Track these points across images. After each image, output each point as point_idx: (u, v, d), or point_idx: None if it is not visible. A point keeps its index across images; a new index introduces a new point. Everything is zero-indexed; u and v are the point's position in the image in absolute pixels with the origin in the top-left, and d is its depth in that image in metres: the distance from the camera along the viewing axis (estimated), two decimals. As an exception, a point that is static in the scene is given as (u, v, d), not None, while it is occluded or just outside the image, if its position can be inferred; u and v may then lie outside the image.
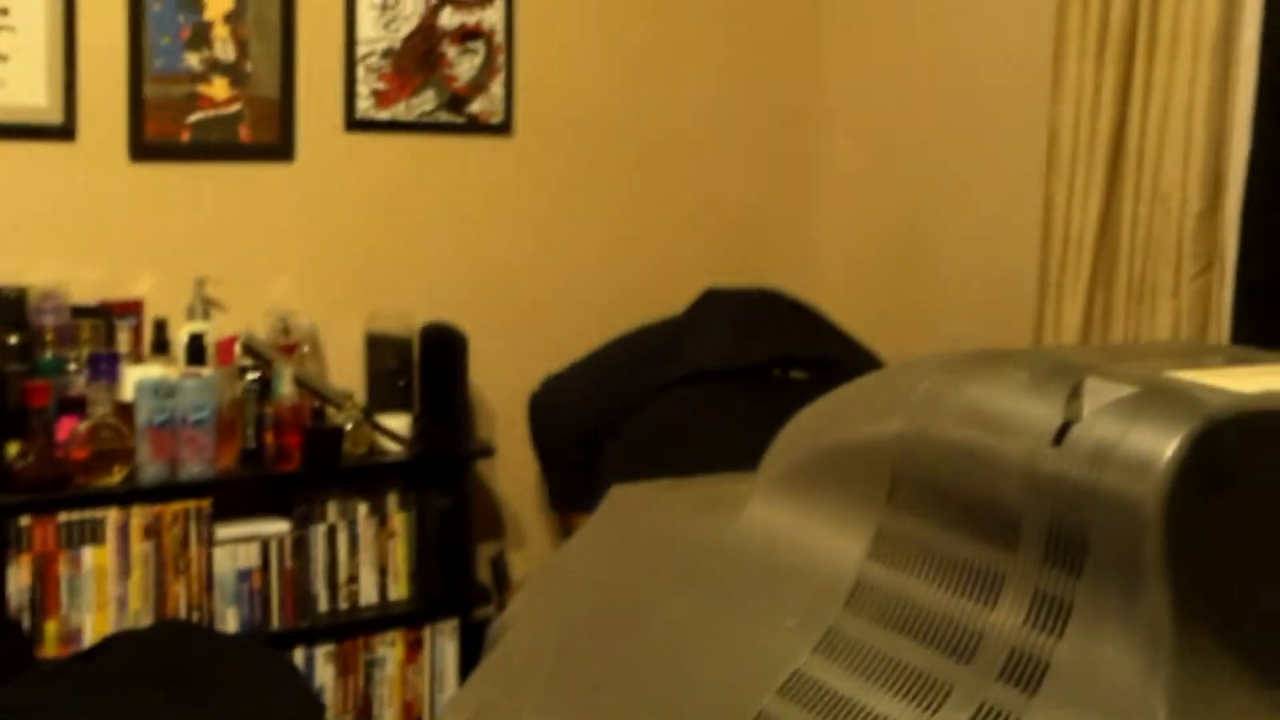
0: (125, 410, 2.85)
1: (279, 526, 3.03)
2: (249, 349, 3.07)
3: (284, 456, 2.98)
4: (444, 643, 3.23)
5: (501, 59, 3.43)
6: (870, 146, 3.88)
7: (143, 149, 3.03)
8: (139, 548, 2.85)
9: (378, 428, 3.15)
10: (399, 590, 3.20)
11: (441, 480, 3.20)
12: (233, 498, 2.99)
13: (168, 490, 2.87)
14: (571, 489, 3.38)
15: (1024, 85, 3.40)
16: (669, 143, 3.70)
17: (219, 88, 3.09)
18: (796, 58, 3.88)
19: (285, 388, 3.01)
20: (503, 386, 3.44)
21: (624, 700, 1.28)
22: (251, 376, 3.01)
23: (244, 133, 3.14)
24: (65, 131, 2.96)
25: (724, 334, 3.03)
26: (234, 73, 3.10)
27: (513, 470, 3.49)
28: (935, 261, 3.67)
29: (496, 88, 3.43)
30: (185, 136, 3.08)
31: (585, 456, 3.31)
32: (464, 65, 3.38)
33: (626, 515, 1.56)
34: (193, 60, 3.06)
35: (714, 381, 2.88)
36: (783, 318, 3.07)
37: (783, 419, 2.67)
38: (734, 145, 3.79)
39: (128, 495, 2.83)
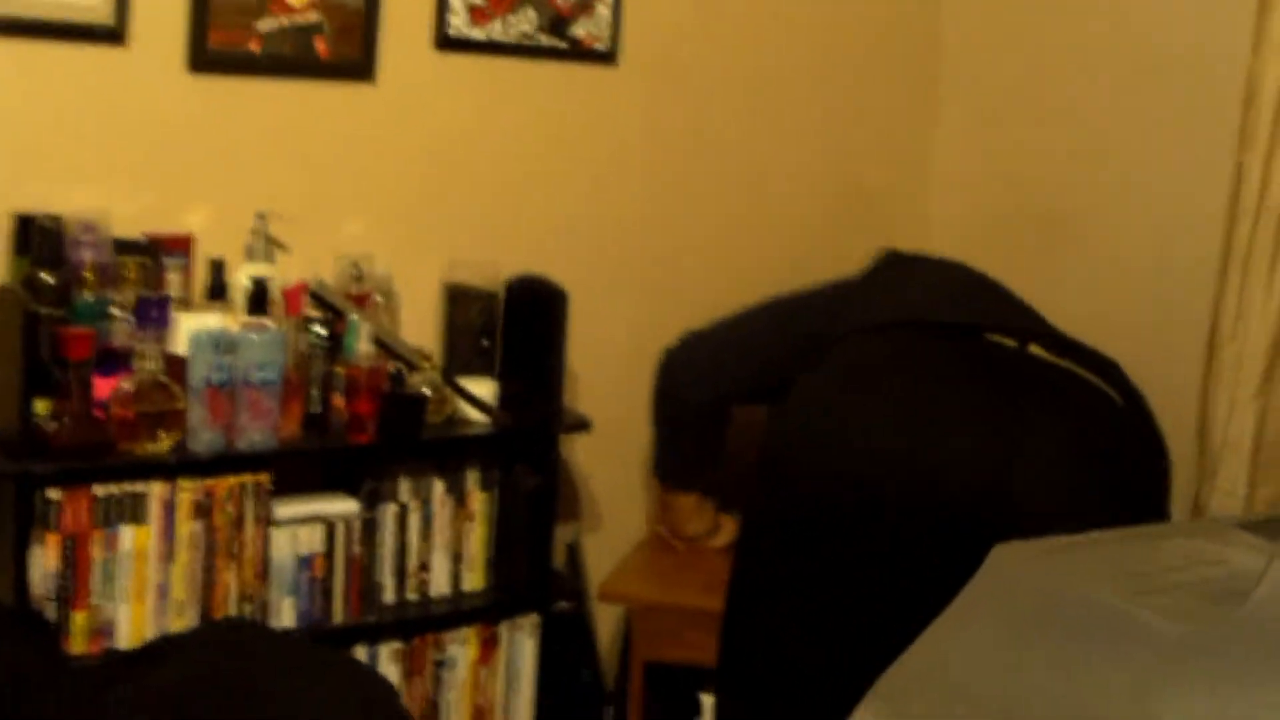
0: (176, 365, 2.43)
1: (346, 506, 2.62)
2: (318, 298, 2.64)
3: (357, 425, 2.57)
4: (522, 640, 2.83)
5: (610, -24, 2.99)
6: (993, 109, 3.45)
7: (205, 59, 2.59)
8: (187, 527, 2.43)
9: (464, 394, 2.73)
10: (474, 580, 2.79)
11: (529, 457, 2.79)
12: (292, 471, 2.58)
13: (223, 462, 2.45)
14: (692, 464, 2.97)
15: (1195, 38, 2.97)
16: (783, 89, 3.27)
17: (295, -9, 2.65)
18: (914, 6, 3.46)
19: (362, 345, 2.59)
20: (595, 352, 3.02)
21: None
22: (319, 330, 2.58)
23: (321, 47, 2.69)
24: (115, 35, 2.52)
25: (929, 292, 2.62)
26: (312, -25, 2.66)
27: (595, 445, 3.06)
28: (1080, 239, 3.24)
29: (603, 9, 2.99)
30: (255, 47, 2.63)
31: (714, 429, 2.91)
32: (569, -19, 2.94)
33: (1027, 588, 1.16)
34: (266, -43, 2.61)
35: (913, 332, 2.48)
36: (986, 285, 2.66)
37: (1004, 382, 2.38)
38: (848, 99, 3.36)
39: (177, 467, 2.41)
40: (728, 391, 2.87)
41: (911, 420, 2.35)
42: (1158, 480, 2.46)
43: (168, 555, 2.42)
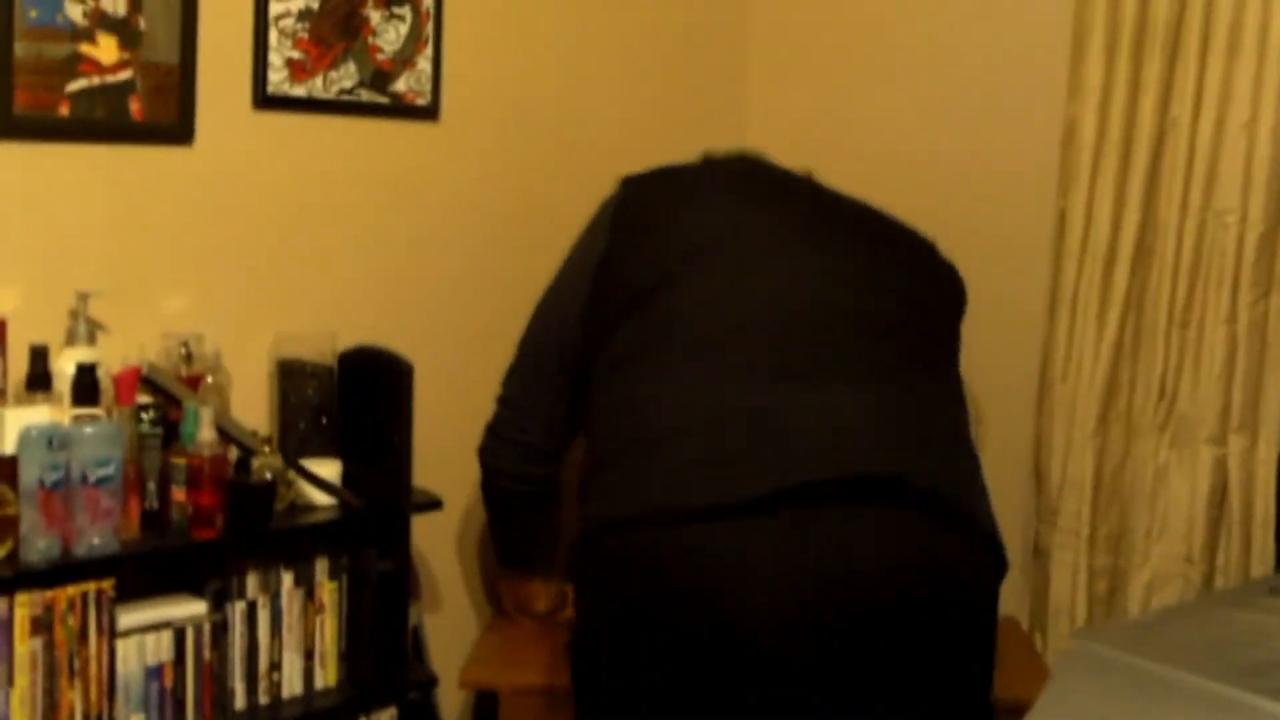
0: (5, 467, 2.17)
1: (194, 608, 2.39)
2: (153, 384, 2.42)
3: (202, 519, 2.35)
4: (378, 737, 2.65)
5: (429, 28, 2.85)
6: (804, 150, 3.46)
7: (9, 124, 2.34)
8: (25, 646, 2.17)
9: (310, 477, 2.54)
10: (327, 676, 2.60)
11: (377, 540, 2.62)
12: (131, 575, 2.34)
13: (62, 570, 2.20)
14: (521, 545, 2.83)
15: (1012, 80, 3.05)
16: (610, 139, 3.19)
17: (106, 49, 2.42)
18: (723, 55, 3.43)
19: (204, 432, 2.37)
20: (428, 423, 2.86)
21: None
22: (149, 418, 2.36)
23: (135, 107, 2.47)
24: (-94, 98, 2.25)
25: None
26: (124, 31, 2.44)
27: (433, 521, 2.90)
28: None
29: (424, 63, 2.85)
30: (64, 110, 2.39)
31: (534, 503, 2.73)
32: (389, 34, 2.79)
33: (1127, 679, 1.09)
34: (75, 12, 2.38)
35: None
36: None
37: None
38: (669, 145, 3.31)
39: (13, 580, 2.15)
40: (536, 446, 2.64)
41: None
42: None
43: (6, 679, 2.15)
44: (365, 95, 2.78)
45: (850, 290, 2.28)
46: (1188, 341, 2.72)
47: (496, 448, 2.62)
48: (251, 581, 2.48)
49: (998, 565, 2.14)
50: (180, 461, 2.36)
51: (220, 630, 2.41)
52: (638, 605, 2.04)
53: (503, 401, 2.62)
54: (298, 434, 2.65)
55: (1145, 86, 2.74)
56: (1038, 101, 2.98)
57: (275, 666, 2.52)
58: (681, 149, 2.67)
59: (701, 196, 2.40)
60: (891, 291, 2.33)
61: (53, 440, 2.19)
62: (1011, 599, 2.99)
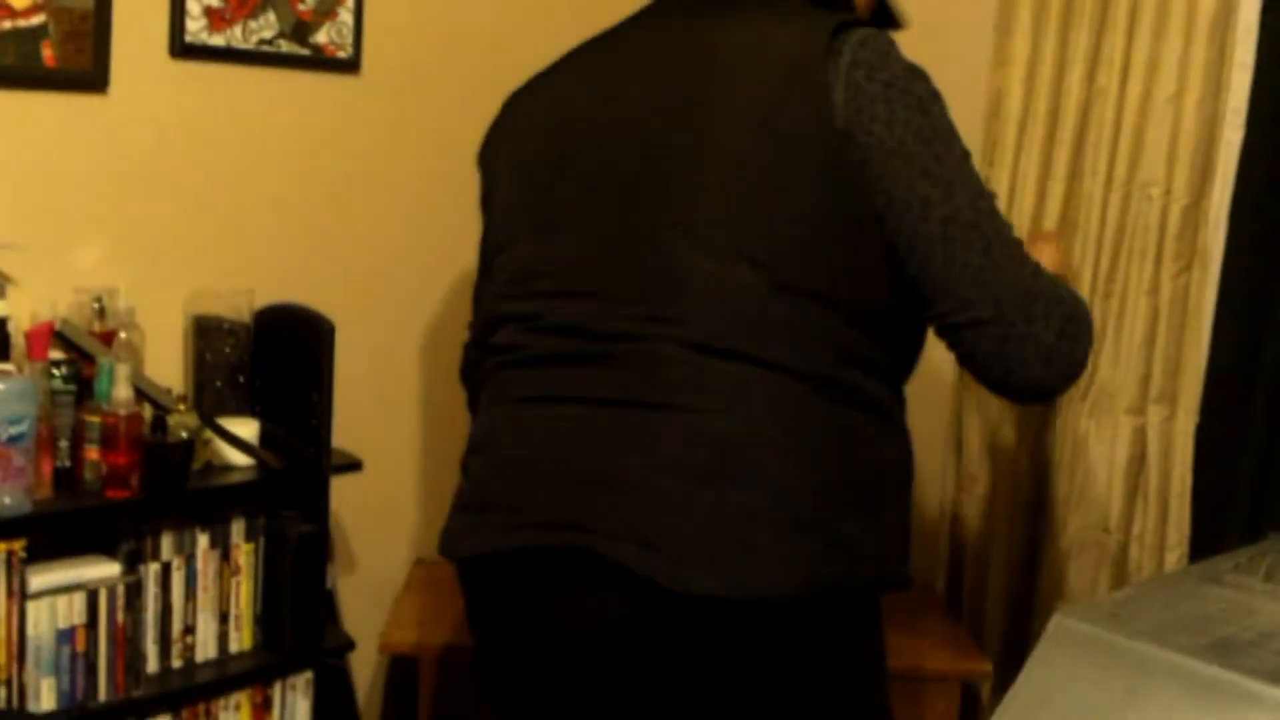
0: (-90, 424, 2.10)
1: (107, 569, 2.33)
2: (64, 338, 2.34)
3: (117, 479, 2.28)
4: (295, 700, 2.60)
5: (353, -21, 2.78)
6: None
7: (-84, 67, 2.25)
8: (-69, 610, 2.11)
9: (227, 437, 2.48)
10: (243, 640, 2.55)
11: (296, 502, 2.57)
12: (44, 536, 2.28)
13: (-29, 531, 2.13)
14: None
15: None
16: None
17: (18, -9, 2.34)
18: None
19: (119, 390, 2.31)
20: (358, 383, 2.81)
21: None
22: (62, 374, 2.30)
23: (48, 54, 2.38)
24: None
25: None
26: (37, -28, 2.35)
27: (351, 481, 2.84)
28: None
29: (345, 14, 2.78)
30: (-26, 53, 2.30)
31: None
32: (312, -16, 2.72)
33: (1109, 660, 1.09)
34: (-14, -49, 2.29)
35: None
36: None
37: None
38: None
39: (-81, 541, 2.08)
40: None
41: None
42: None
43: (-90, 644, 2.09)
44: (285, 46, 2.71)
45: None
46: (1109, 312, 2.74)
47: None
48: (166, 543, 2.42)
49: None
50: (94, 420, 2.29)
51: (134, 592, 2.35)
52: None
53: None
54: (214, 393, 2.59)
55: (1072, 60, 2.75)
56: (964, 73, 2.97)
57: (189, 630, 2.47)
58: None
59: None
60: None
61: (-38, 396, 2.11)
62: (930, 568, 3.02)
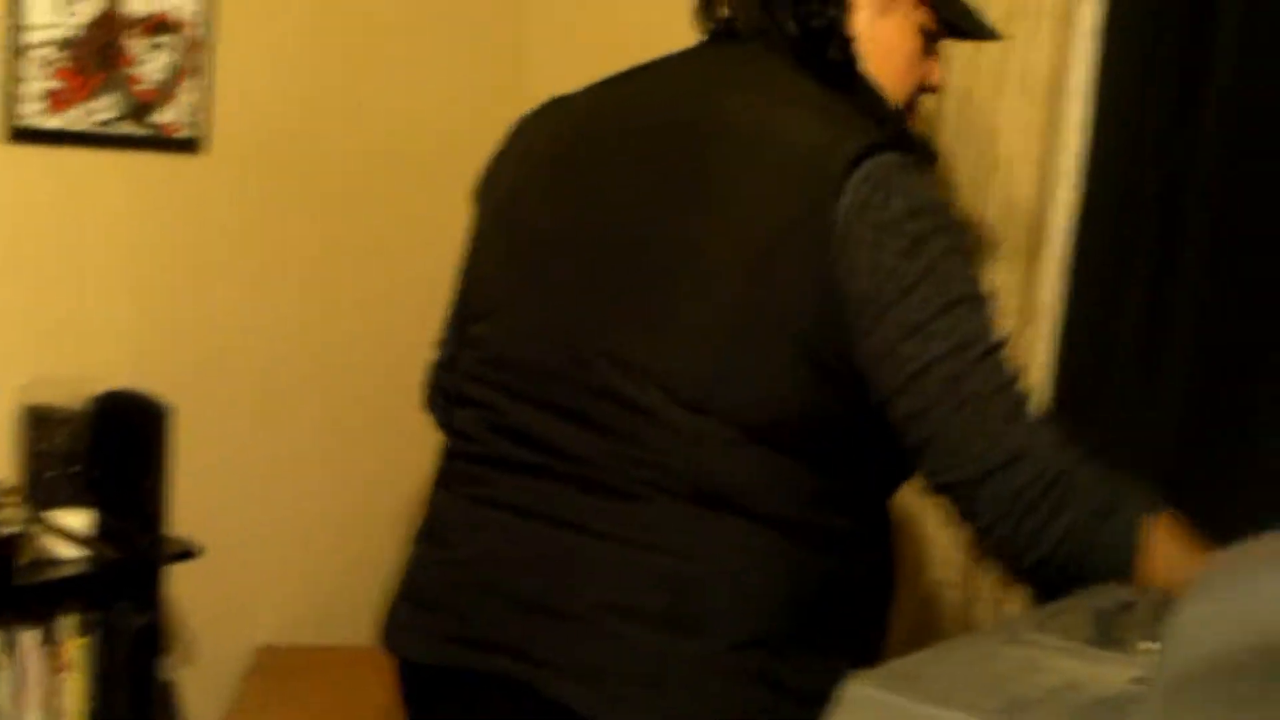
0: None
1: (-77, 670, 2.24)
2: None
3: (-68, 576, 2.20)
4: (132, 803, 2.51)
5: (198, 57, 2.74)
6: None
7: None
8: None
9: (58, 531, 2.40)
10: (75, 740, 2.46)
11: (131, 593, 2.49)
12: None
13: None
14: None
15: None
16: (391, 163, 3.10)
17: None
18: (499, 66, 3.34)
19: (-66, 483, 2.23)
20: (205, 468, 2.74)
21: None
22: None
23: None
24: None
25: None
26: None
27: (194, 570, 2.75)
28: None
29: (187, 94, 2.74)
30: None
31: None
32: (152, 63, 2.68)
33: None
34: None
35: None
36: None
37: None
38: (453, 160, 3.18)
39: None
40: None
41: None
42: None
43: None
44: (127, 128, 2.66)
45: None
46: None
47: None
48: (-10, 640, 2.33)
49: None
50: (-92, 514, 2.21)
51: (-48, 693, 2.26)
52: None
53: None
54: (46, 483, 2.52)
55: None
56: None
57: (17, 730, 2.38)
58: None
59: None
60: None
61: None
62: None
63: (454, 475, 1.72)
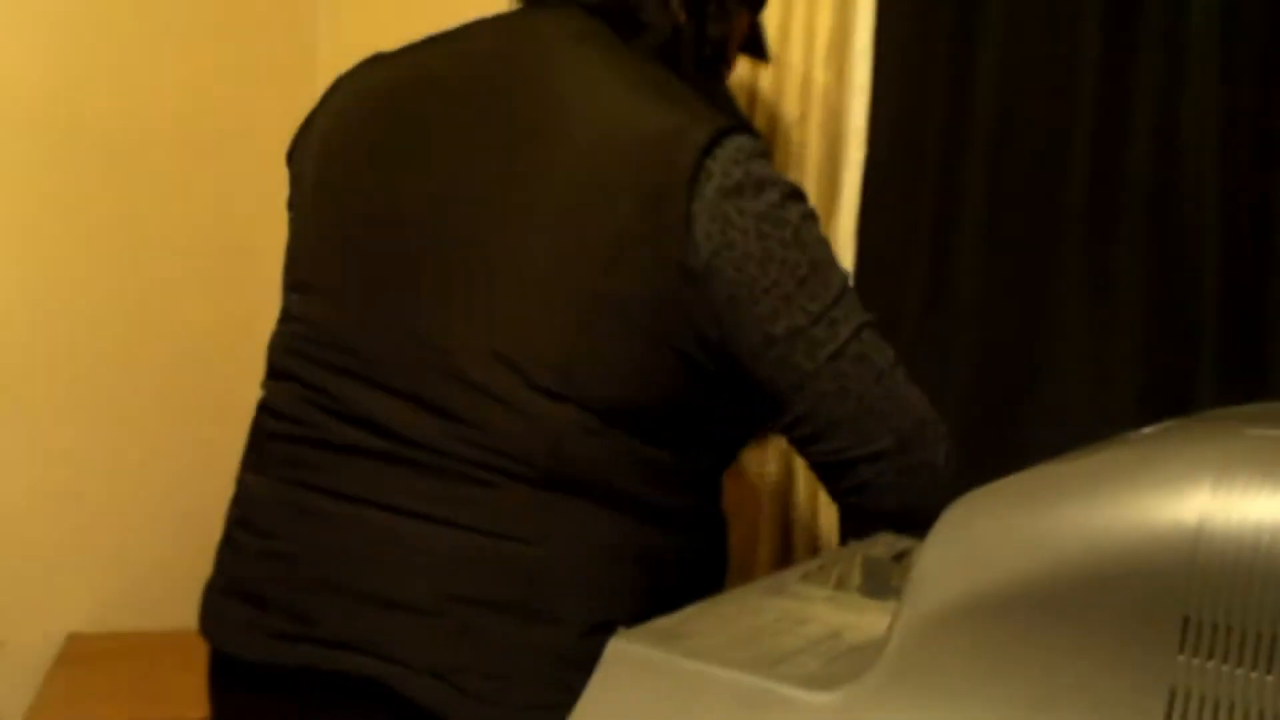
0: None
1: None
2: None
3: None
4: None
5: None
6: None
7: None
8: None
9: None
10: None
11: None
12: None
13: None
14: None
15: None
16: (158, 140, 2.96)
17: None
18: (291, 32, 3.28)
19: None
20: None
21: None
22: None
23: None
24: None
25: None
26: None
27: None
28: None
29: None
30: None
31: None
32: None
33: (663, 680, 1.10)
34: None
35: None
36: None
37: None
38: (229, 136, 3.06)
39: None
40: None
41: None
42: None
43: None
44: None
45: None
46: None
47: None
48: None
49: None
50: None
51: None
52: None
53: None
54: None
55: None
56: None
57: None
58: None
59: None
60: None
61: None
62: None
63: (270, 457, 1.65)
